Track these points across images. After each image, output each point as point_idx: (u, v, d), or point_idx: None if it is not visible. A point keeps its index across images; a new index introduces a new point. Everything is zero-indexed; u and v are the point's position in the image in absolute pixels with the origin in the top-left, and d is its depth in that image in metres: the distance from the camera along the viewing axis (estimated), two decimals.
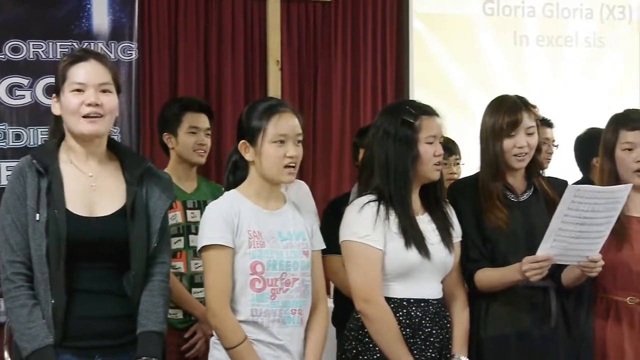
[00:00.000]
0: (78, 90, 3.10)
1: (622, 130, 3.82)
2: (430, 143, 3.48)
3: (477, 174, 3.77)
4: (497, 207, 3.67)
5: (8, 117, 5.69)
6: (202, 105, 4.60)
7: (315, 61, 6.94)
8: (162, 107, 4.75)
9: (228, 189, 3.41)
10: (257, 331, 3.25)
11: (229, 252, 3.24)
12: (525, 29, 7.40)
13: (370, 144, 3.57)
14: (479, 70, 7.24)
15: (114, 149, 3.26)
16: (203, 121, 4.47)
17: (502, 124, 3.67)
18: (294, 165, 3.31)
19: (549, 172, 4.11)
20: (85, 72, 3.12)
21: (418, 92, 6.91)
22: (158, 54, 6.49)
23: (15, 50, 5.73)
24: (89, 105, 3.08)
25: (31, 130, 5.73)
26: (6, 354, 4.60)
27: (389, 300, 3.44)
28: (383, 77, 7.08)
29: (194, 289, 4.28)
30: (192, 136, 4.41)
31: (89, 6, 5.88)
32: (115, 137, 5.72)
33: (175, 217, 4.26)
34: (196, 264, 4.26)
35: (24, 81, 5.75)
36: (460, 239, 3.63)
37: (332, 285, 4.77)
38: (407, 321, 3.44)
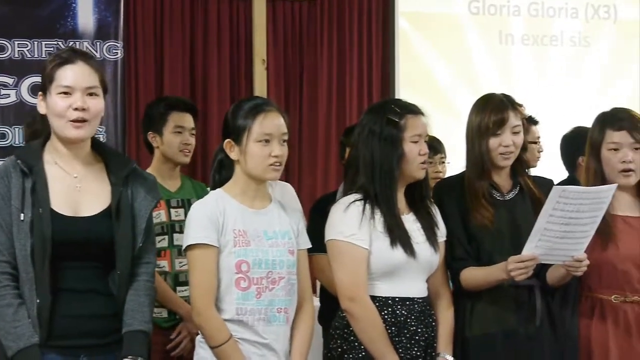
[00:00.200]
0: (65, 93, 3.09)
1: (609, 130, 3.78)
2: (416, 142, 3.48)
3: (462, 173, 3.77)
4: (483, 205, 3.66)
5: None
6: (187, 104, 4.60)
7: (301, 60, 6.95)
8: (147, 105, 4.74)
9: (214, 187, 3.41)
10: (243, 330, 3.25)
11: (213, 251, 3.23)
12: (511, 28, 7.41)
13: (355, 142, 3.56)
14: (464, 69, 7.25)
15: (98, 149, 3.24)
16: (188, 121, 4.47)
17: (488, 122, 3.67)
18: (279, 164, 3.31)
19: (535, 171, 4.12)
20: (72, 75, 3.09)
21: (404, 91, 6.92)
22: (143, 53, 6.49)
23: (0, 49, 5.73)
24: (76, 109, 3.07)
25: (16, 129, 5.73)
26: None
27: (374, 298, 3.44)
28: (369, 76, 7.09)
29: (178, 288, 4.28)
30: (178, 136, 4.41)
31: (74, 5, 5.88)
32: (101, 137, 5.74)
33: (159, 215, 4.25)
34: (180, 262, 4.25)
35: (9, 80, 5.74)
36: (445, 238, 3.63)
37: (318, 284, 4.77)
38: (393, 320, 3.44)
